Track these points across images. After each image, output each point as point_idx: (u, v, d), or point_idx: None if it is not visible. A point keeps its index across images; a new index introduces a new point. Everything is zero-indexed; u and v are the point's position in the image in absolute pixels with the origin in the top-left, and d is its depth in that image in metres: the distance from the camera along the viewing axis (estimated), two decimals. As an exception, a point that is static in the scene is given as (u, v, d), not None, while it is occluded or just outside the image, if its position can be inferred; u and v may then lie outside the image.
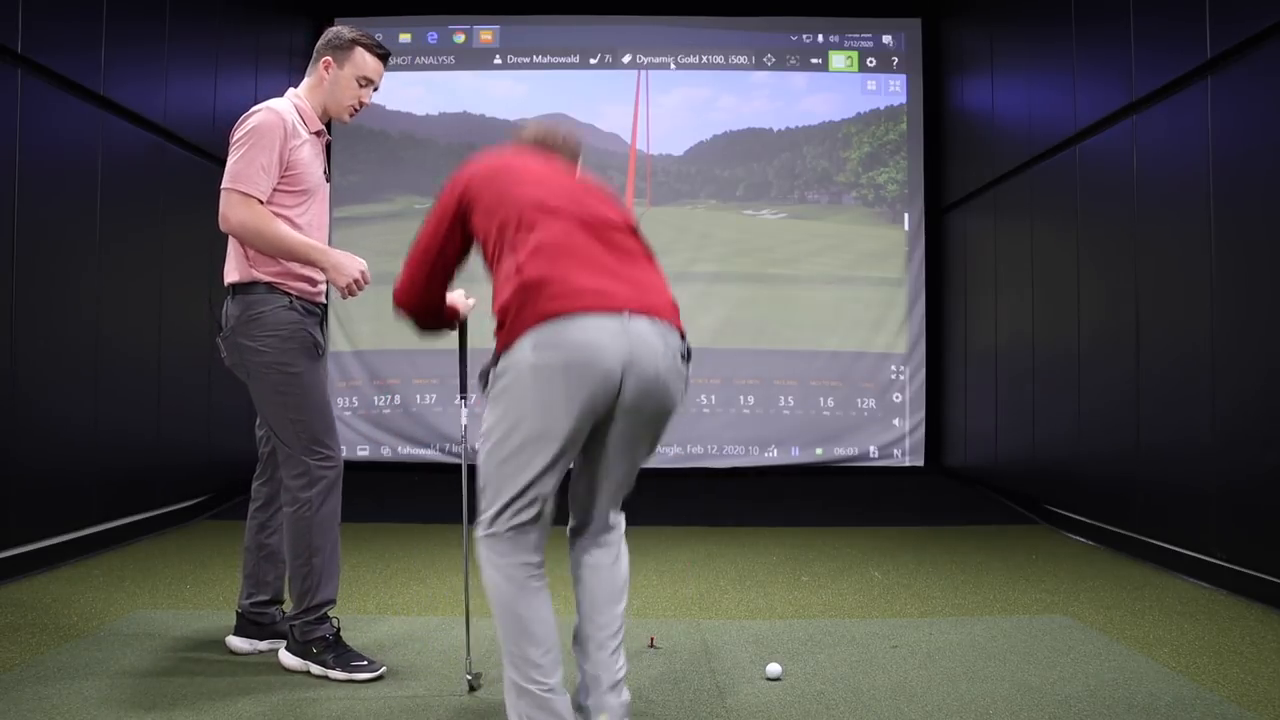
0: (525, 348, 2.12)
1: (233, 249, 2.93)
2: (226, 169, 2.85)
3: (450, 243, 2.49)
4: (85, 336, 4.55)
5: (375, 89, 3.04)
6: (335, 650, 2.84)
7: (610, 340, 2.09)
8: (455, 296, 2.81)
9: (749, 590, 4.00)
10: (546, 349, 2.09)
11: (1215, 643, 3.20)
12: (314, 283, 2.95)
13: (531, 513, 2.14)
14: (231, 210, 2.80)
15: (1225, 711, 2.55)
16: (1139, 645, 3.18)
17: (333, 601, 2.90)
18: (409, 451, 7.54)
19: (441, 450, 7.54)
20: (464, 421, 2.95)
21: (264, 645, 3.06)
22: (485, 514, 2.18)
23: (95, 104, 4.58)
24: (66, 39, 4.33)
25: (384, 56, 3.02)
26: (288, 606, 2.98)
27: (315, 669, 2.83)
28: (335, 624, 2.90)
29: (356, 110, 3.03)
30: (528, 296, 2.16)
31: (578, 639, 2.26)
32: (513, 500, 2.13)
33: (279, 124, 2.84)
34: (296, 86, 3.01)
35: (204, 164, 5.61)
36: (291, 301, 2.88)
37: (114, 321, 4.76)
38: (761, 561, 4.57)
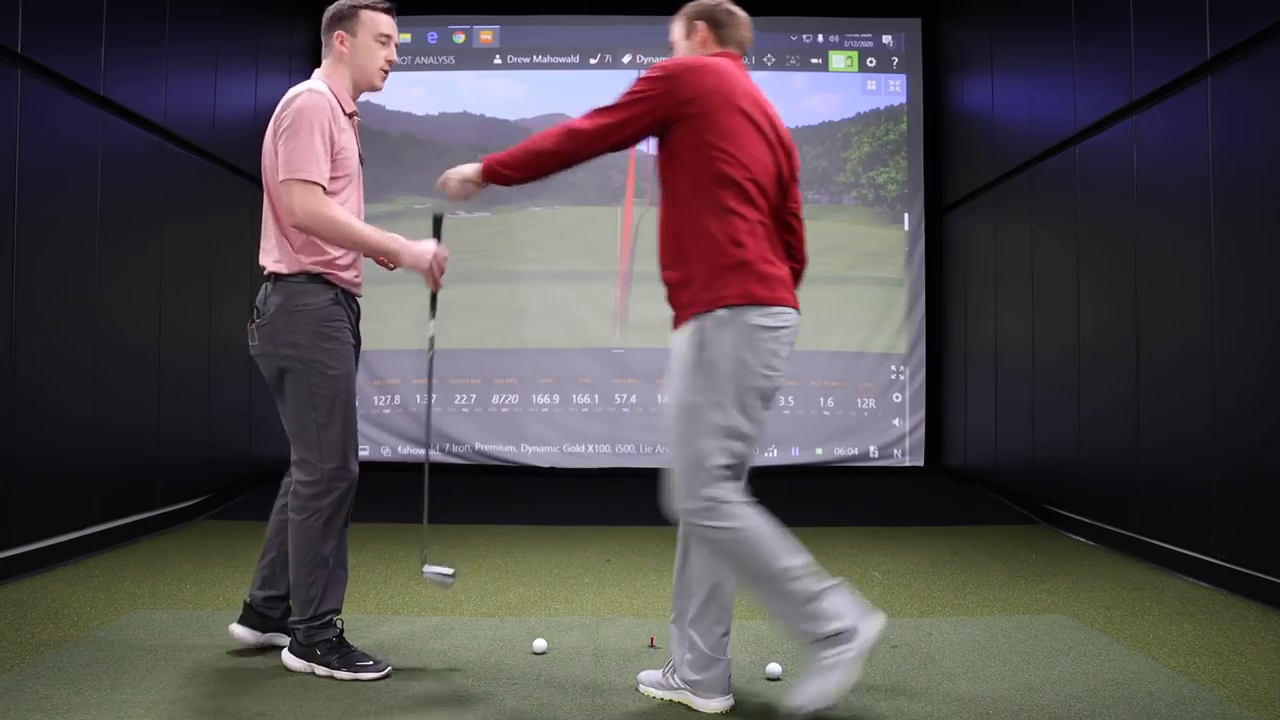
0: (745, 319, 2.45)
1: (273, 234, 2.84)
2: (281, 158, 2.73)
3: (637, 136, 2.60)
4: (85, 336, 4.55)
5: (395, 43, 2.99)
6: (340, 651, 2.83)
7: (792, 336, 2.61)
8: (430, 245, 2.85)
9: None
10: (761, 332, 2.48)
11: (1215, 643, 3.20)
12: (358, 275, 2.92)
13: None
14: (298, 202, 2.70)
15: (1225, 711, 2.55)
16: (1139, 645, 3.18)
17: (338, 610, 2.89)
18: (409, 451, 7.55)
19: (442, 450, 7.55)
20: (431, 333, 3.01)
21: (265, 638, 3.05)
22: (714, 464, 2.39)
23: (95, 104, 4.58)
24: (66, 39, 4.33)
25: (390, 10, 2.97)
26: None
27: (320, 670, 2.81)
28: (339, 625, 2.89)
29: (386, 71, 2.97)
30: (747, 274, 2.47)
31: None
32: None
33: (325, 105, 2.77)
34: (305, 80, 2.93)
35: (204, 164, 5.62)
36: (338, 295, 2.83)
37: (114, 321, 4.76)
38: (761, 561, 4.56)
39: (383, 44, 2.93)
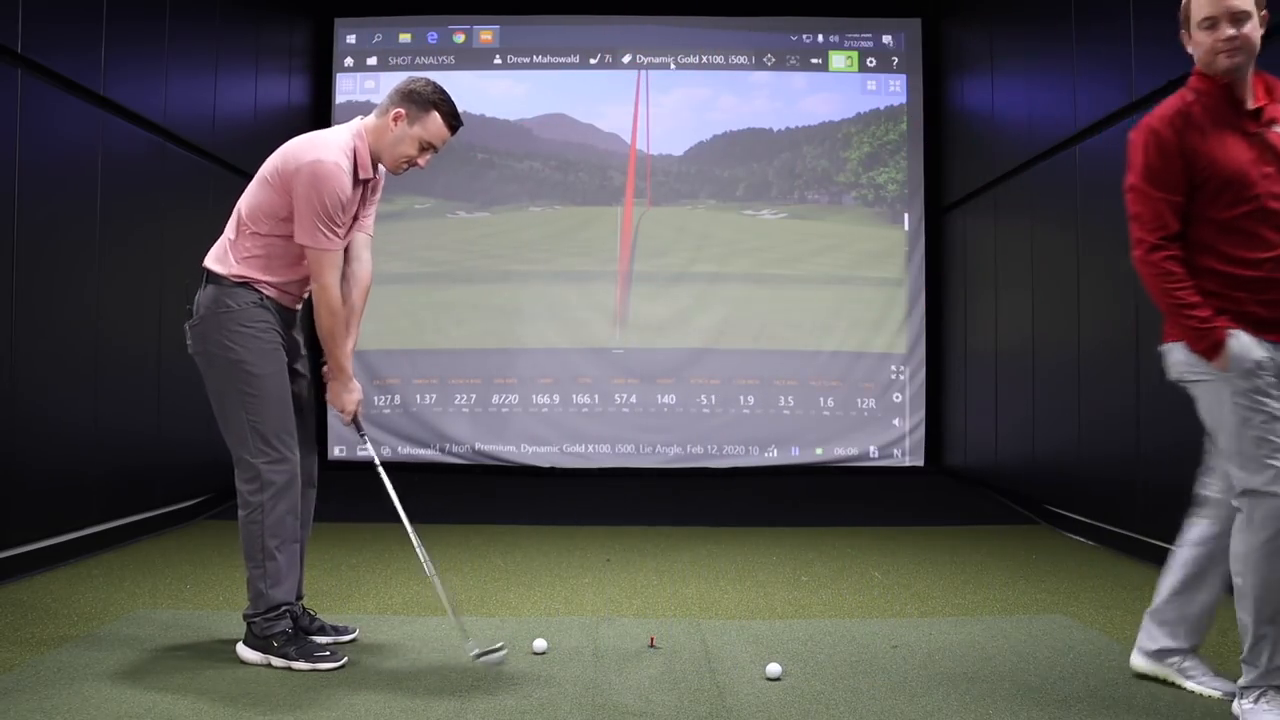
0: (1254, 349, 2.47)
1: (225, 237, 2.95)
2: (304, 223, 2.81)
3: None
4: (85, 336, 4.55)
5: (435, 153, 3.01)
6: (296, 643, 2.87)
7: None
8: None
9: (749, 590, 4.00)
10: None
11: (1215, 642, 3.20)
12: (295, 297, 3.01)
13: None
14: (325, 274, 2.86)
15: (1225, 711, 2.55)
16: (1139, 645, 3.18)
17: (291, 602, 2.92)
18: (409, 451, 7.54)
19: (441, 450, 7.55)
20: None
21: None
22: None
23: (95, 104, 4.58)
24: (66, 39, 4.33)
25: (456, 128, 2.98)
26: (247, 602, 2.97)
27: (277, 662, 2.85)
28: (293, 616, 2.92)
29: (406, 169, 3.00)
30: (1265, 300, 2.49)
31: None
32: None
33: (343, 177, 2.83)
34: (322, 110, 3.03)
35: (204, 164, 5.62)
36: (263, 299, 2.90)
37: (114, 321, 4.76)
38: (761, 561, 4.57)
39: (424, 150, 2.95)
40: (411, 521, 3.06)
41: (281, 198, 2.85)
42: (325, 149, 2.83)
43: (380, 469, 3.13)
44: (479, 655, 2.89)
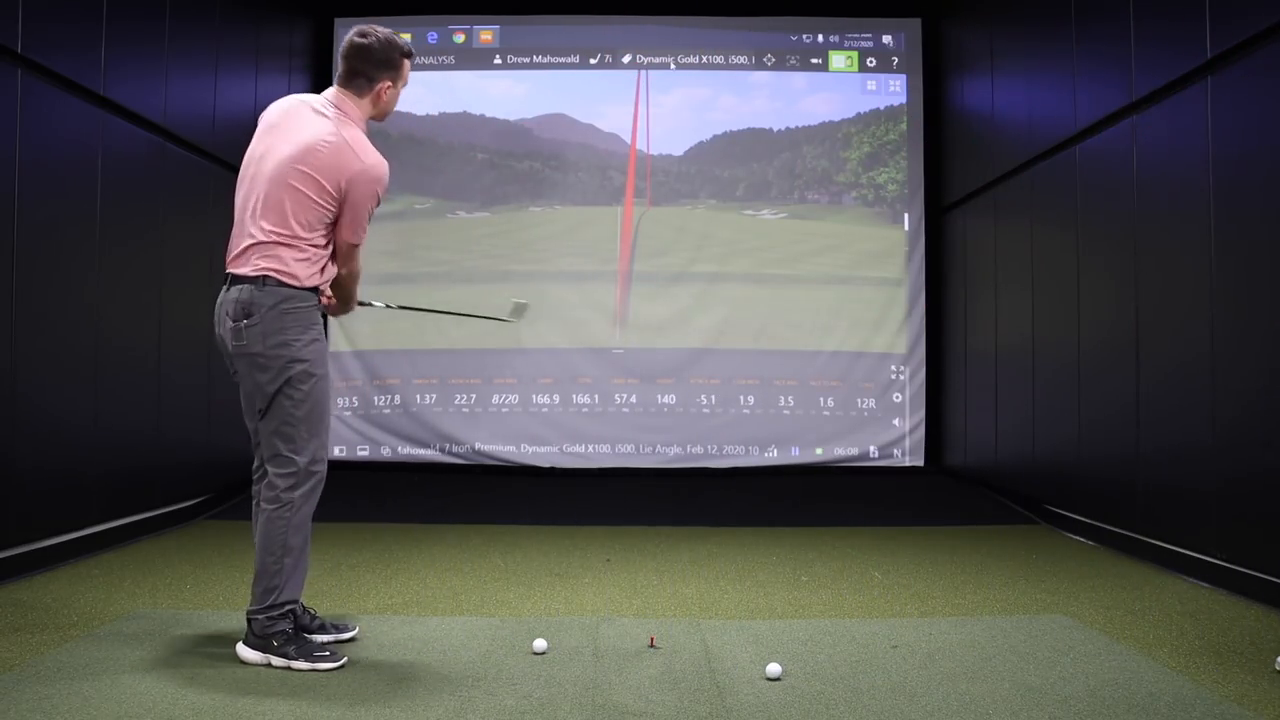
0: None
1: (267, 238, 2.91)
2: (359, 223, 2.98)
3: None
4: (85, 336, 4.55)
5: None
6: (296, 642, 2.88)
7: None
8: None
9: (749, 590, 4.00)
10: None
11: (1215, 643, 3.20)
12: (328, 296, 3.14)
13: None
14: (358, 261, 3.09)
15: (1225, 711, 2.55)
16: (1139, 645, 3.18)
17: (296, 600, 2.94)
18: (409, 451, 7.54)
19: (441, 450, 7.55)
20: None
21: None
22: None
23: (95, 104, 4.58)
24: (66, 39, 4.33)
25: (413, 56, 3.16)
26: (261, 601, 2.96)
27: (277, 661, 2.86)
28: (295, 615, 2.94)
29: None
30: None
31: None
32: None
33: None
34: (320, 91, 3.10)
35: (204, 164, 5.62)
36: (318, 303, 3.01)
37: (114, 321, 4.76)
38: (761, 561, 4.57)
39: (402, 89, 3.14)
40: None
41: (327, 205, 2.92)
42: (363, 149, 2.95)
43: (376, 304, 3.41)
44: (515, 308, 3.18)
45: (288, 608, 2.90)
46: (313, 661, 2.85)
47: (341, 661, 2.88)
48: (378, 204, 3.01)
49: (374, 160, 2.95)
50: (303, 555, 2.95)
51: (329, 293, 3.10)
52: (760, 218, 7.86)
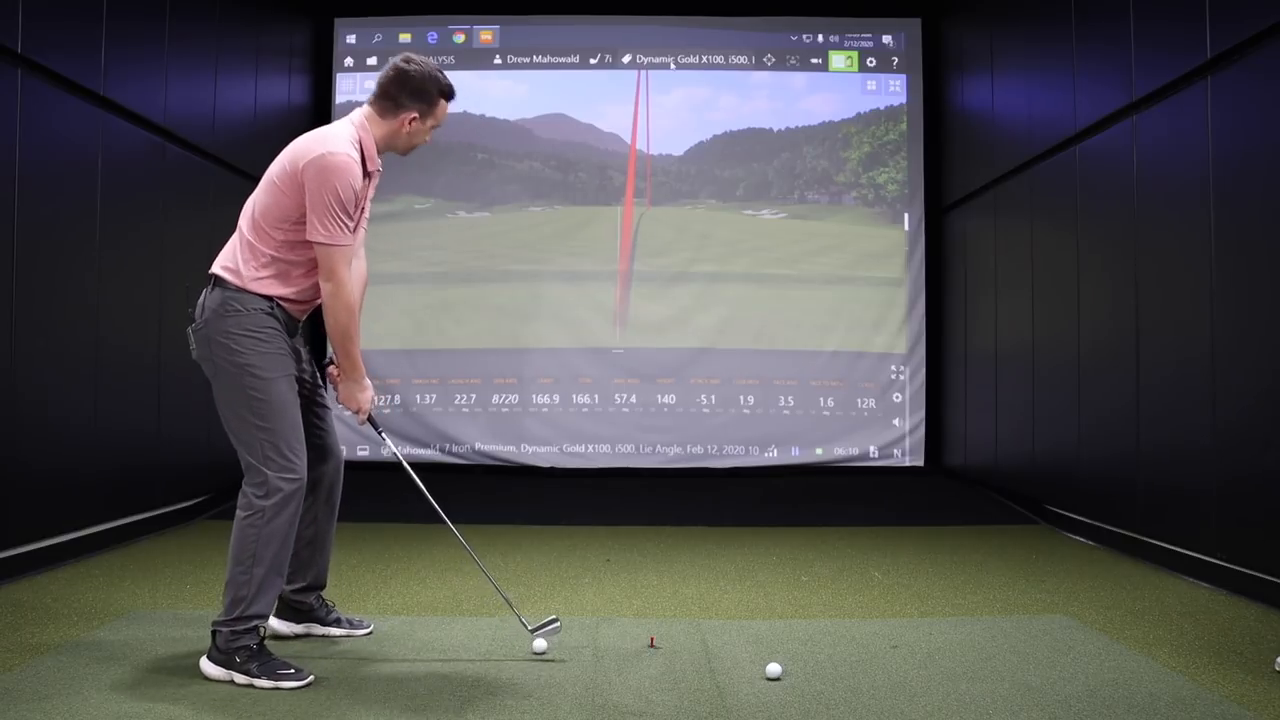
0: None
1: (236, 239, 2.89)
2: (318, 219, 2.76)
3: None
4: (85, 336, 4.55)
5: None
6: (259, 659, 2.75)
7: None
8: None
9: (749, 590, 4.00)
10: None
11: (1215, 643, 3.20)
12: (306, 307, 2.97)
13: None
14: (339, 269, 2.81)
15: (1225, 711, 2.55)
16: (1139, 645, 3.18)
17: (265, 616, 2.83)
18: (409, 451, 7.51)
19: (442, 450, 7.55)
20: None
21: (300, 629, 3.14)
22: None
23: (95, 104, 4.58)
24: (66, 39, 4.33)
25: (452, 98, 3.03)
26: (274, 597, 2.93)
27: (239, 678, 2.73)
28: (262, 632, 2.83)
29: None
30: None
31: None
32: None
33: (355, 168, 2.81)
34: (348, 110, 3.04)
35: (204, 164, 5.62)
36: (273, 307, 2.86)
37: (114, 321, 4.76)
38: (761, 561, 4.57)
39: (431, 130, 3.01)
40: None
41: (292, 199, 2.79)
42: (333, 141, 2.80)
43: (408, 468, 3.20)
44: (535, 630, 3.01)
45: (255, 622, 2.78)
46: (276, 680, 2.71)
47: (307, 680, 2.73)
48: (343, 206, 2.77)
49: (336, 150, 2.77)
50: (276, 569, 2.83)
51: (300, 300, 2.92)
52: (760, 218, 7.86)
